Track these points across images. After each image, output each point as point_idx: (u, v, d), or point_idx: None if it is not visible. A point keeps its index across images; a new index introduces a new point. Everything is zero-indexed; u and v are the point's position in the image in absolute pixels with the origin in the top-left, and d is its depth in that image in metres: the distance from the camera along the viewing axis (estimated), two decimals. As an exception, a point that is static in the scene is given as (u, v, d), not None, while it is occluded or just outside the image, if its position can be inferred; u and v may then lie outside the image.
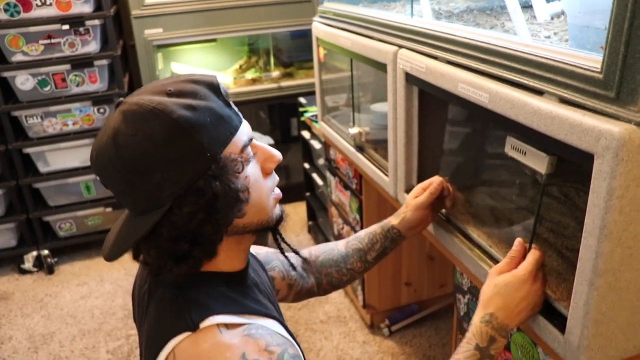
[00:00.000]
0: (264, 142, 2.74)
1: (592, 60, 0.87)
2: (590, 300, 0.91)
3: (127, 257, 0.91)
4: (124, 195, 0.85)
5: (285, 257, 1.18)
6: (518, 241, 1.08)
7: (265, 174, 0.94)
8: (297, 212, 3.53)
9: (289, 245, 1.13)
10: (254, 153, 0.92)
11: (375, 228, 1.33)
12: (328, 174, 2.62)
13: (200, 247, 0.86)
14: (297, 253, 1.18)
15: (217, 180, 0.82)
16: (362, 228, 2.27)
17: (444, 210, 1.44)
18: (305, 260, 1.29)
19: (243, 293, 0.94)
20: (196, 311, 0.85)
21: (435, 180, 1.34)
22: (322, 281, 1.30)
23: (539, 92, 0.98)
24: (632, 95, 0.79)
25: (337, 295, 2.79)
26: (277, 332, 0.88)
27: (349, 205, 2.40)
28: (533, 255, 1.04)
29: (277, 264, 1.23)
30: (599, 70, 0.83)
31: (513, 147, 1.06)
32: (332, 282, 1.30)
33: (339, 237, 2.64)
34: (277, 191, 0.98)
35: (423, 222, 1.35)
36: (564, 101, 0.92)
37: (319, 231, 3.17)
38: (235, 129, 0.87)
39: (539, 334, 1.08)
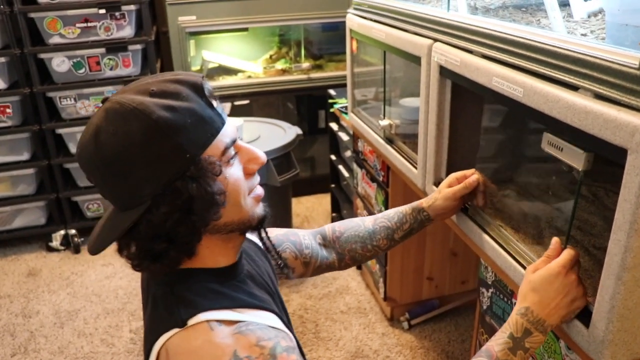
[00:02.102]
0: (292, 133, 2.77)
1: (629, 57, 0.87)
2: (617, 295, 0.91)
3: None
4: (106, 192, 0.86)
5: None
6: (555, 240, 1.08)
7: (248, 174, 0.94)
8: (321, 203, 3.55)
9: (272, 245, 1.13)
10: (236, 153, 0.91)
11: (405, 208, 1.35)
12: (355, 166, 2.64)
13: (177, 246, 0.86)
14: (279, 255, 1.16)
15: (195, 182, 0.83)
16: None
17: (471, 203, 1.45)
18: (325, 239, 1.31)
19: (234, 287, 0.94)
20: (185, 308, 0.86)
21: (473, 176, 1.35)
22: (344, 257, 1.31)
23: (573, 88, 0.99)
24: (669, 92, 0.79)
25: (358, 287, 2.82)
26: (269, 325, 0.89)
27: (375, 197, 2.41)
28: (568, 252, 1.04)
29: (289, 245, 1.24)
30: (636, 66, 0.84)
31: (550, 143, 1.06)
32: (355, 258, 1.32)
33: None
34: (258, 191, 0.97)
35: (451, 211, 1.38)
36: (599, 97, 0.92)
37: (342, 223, 3.18)
38: (217, 131, 0.86)
39: (564, 329, 1.09)
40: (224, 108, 3.24)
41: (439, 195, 1.35)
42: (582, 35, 1.26)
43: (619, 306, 0.92)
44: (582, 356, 1.06)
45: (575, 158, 1.00)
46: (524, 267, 1.21)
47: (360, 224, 1.34)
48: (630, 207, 0.85)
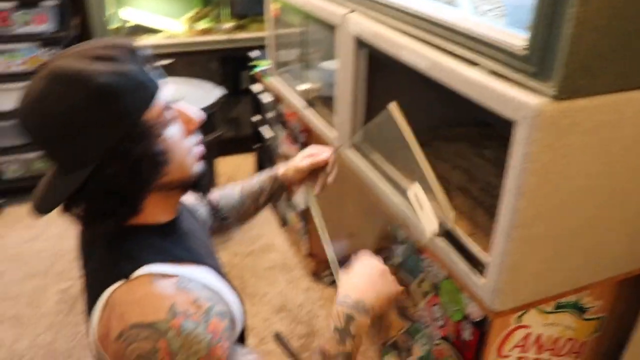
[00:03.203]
0: (216, 94, 2.77)
1: (518, 38, 0.97)
2: (506, 250, 1.04)
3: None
4: (49, 153, 0.89)
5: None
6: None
7: (187, 133, 1.00)
8: (246, 163, 3.60)
9: (209, 201, 1.23)
10: (175, 114, 0.97)
11: (264, 177, 1.46)
12: (277, 128, 2.70)
13: (125, 203, 0.91)
14: (216, 209, 1.28)
15: (138, 144, 0.87)
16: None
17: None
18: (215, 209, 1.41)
19: (174, 242, 0.99)
20: (127, 262, 0.91)
21: (323, 154, 1.44)
22: (226, 222, 1.43)
23: (473, 63, 1.08)
24: (550, 72, 0.90)
25: (283, 244, 2.91)
26: (207, 285, 0.95)
27: (297, 158, 2.48)
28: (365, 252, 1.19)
29: (202, 212, 1.31)
30: (523, 47, 0.94)
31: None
32: (232, 223, 1.44)
33: (286, 188, 2.74)
34: (198, 149, 1.03)
35: (300, 182, 1.48)
36: (494, 73, 1.02)
37: (267, 182, 3.25)
38: (154, 93, 0.90)
39: (464, 280, 1.21)
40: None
41: (291, 165, 1.45)
42: (487, 10, 1.36)
43: (508, 260, 1.05)
44: (478, 304, 1.19)
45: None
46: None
47: (231, 194, 1.44)
48: (517, 172, 0.97)
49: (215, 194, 1.43)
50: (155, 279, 0.89)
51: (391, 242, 1.72)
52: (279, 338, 1.39)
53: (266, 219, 3.12)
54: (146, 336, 0.84)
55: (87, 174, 0.86)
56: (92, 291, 0.94)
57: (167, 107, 0.93)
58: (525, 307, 1.18)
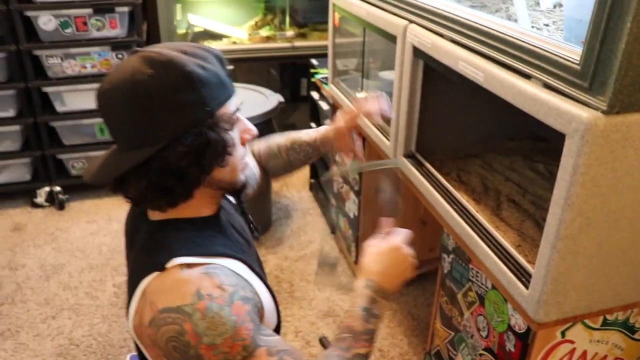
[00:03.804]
0: (274, 100, 2.85)
1: (573, 53, 0.98)
2: (551, 261, 1.05)
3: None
4: (124, 128, 0.96)
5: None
6: (386, 221, 1.23)
7: (241, 143, 1.08)
8: (300, 170, 3.66)
9: (247, 214, 1.28)
10: (239, 121, 1.05)
11: (305, 138, 1.52)
12: (333, 135, 2.74)
13: (183, 184, 0.98)
14: (255, 228, 1.30)
15: (211, 130, 0.95)
16: (360, 189, 2.41)
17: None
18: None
19: (211, 236, 1.05)
20: (163, 253, 0.97)
21: (352, 112, 1.49)
22: (269, 173, 1.53)
23: (527, 76, 1.10)
24: (602, 87, 0.91)
25: (332, 251, 2.95)
26: (235, 272, 0.99)
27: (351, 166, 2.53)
28: (403, 231, 1.20)
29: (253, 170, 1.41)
30: (577, 62, 0.95)
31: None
32: (276, 175, 1.56)
33: (338, 195, 2.78)
34: (247, 159, 1.11)
35: (343, 146, 1.52)
36: (547, 86, 1.04)
37: (320, 189, 3.31)
38: (230, 95, 1.01)
39: (508, 290, 1.22)
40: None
41: (331, 127, 1.51)
42: (544, 25, 1.37)
43: (552, 271, 1.06)
44: (523, 315, 1.20)
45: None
46: (481, 238, 1.34)
47: (277, 155, 1.52)
48: (566, 184, 0.98)
49: (264, 153, 1.51)
50: (183, 268, 0.95)
51: (440, 251, 1.73)
52: (323, 342, 1.42)
53: (317, 225, 3.17)
54: (173, 319, 0.90)
55: (150, 153, 0.93)
56: (132, 281, 1.02)
57: (235, 112, 1.02)
58: (570, 321, 1.18)
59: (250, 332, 0.93)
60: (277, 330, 1.13)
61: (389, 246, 1.15)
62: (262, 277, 1.08)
